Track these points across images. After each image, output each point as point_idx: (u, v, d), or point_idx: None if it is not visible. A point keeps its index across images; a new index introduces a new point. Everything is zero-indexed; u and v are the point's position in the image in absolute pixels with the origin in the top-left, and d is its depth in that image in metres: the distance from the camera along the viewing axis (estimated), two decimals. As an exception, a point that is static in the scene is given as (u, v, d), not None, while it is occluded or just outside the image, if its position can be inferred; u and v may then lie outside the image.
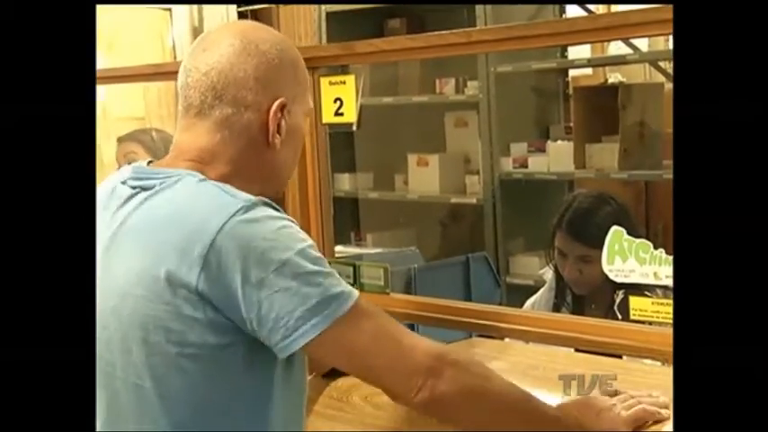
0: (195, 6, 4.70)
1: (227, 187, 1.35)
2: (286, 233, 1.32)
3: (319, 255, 1.34)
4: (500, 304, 2.05)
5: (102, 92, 4.43)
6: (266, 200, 1.36)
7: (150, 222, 1.35)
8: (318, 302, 1.29)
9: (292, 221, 1.35)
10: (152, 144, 2.92)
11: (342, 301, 1.30)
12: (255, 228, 1.30)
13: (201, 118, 1.41)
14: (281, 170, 1.48)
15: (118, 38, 4.48)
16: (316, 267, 1.31)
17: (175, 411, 1.34)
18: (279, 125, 1.42)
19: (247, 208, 1.31)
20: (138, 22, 4.66)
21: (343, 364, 1.41)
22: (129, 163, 2.95)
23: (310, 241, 1.34)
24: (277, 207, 1.37)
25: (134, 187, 1.41)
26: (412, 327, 1.95)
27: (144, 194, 1.39)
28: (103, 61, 4.10)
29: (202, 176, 1.38)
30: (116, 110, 4.54)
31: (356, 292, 1.33)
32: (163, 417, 1.34)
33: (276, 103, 1.41)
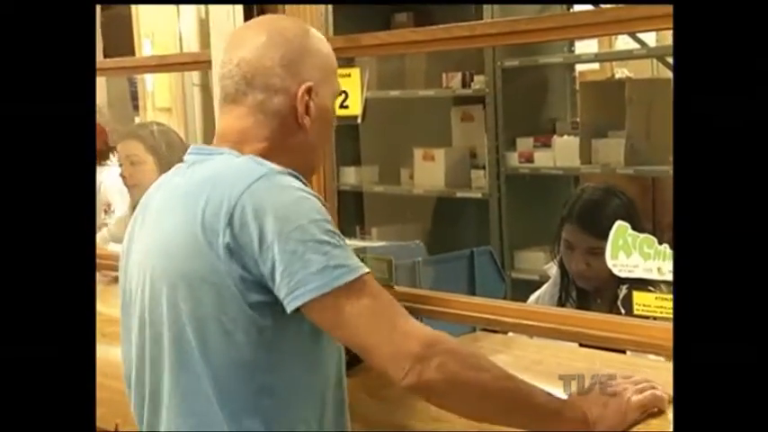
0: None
1: (260, 159, 1.48)
2: (304, 202, 1.42)
3: (333, 229, 1.42)
4: (504, 299, 2.04)
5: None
6: (293, 172, 1.46)
7: (192, 187, 1.48)
8: (319, 270, 1.36)
9: (316, 197, 1.45)
10: (153, 140, 2.88)
11: (342, 274, 1.37)
12: (275, 192, 1.41)
13: (237, 104, 1.55)
14: (312, 148, 1.60)
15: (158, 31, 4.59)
16: (325, 237, 1.39)
17: (214, 363, 1.42)
18: (307, 107, 1.54)
19: (270, 175, 1.43)
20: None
21: (336, 335, 1.45)
22: (132, 164, 2.93)
23: (328, 217, 1.43)
24: (303, 180, 1.47)
25: (187, 161, 1.57)
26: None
27: (190, 166, 1.55)
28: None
29: (241, 154, 1.51)
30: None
31: (363, 270, 1.39)
32: (203, 368, 1.43)
33: (303, 87, 1.54)
